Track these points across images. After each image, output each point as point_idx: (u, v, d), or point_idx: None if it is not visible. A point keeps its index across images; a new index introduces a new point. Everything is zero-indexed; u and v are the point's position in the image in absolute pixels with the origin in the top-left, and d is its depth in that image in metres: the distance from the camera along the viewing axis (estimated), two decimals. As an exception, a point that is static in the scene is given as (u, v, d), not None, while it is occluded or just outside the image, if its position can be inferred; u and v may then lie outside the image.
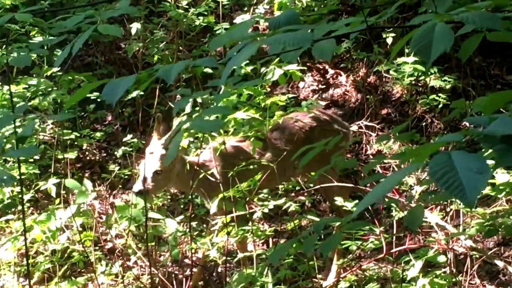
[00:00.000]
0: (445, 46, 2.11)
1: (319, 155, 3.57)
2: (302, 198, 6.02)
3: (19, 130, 3.24)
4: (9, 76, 3.38)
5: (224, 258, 5.44)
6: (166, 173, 5.46)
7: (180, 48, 8.22)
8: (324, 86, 8.19)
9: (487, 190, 5.39)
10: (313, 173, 5.22)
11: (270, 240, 6.05)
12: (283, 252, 3.15)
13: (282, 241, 6.06)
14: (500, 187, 4.73)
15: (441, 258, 4.69)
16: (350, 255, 5.75)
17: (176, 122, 5.31)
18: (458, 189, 1.67)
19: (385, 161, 6.82)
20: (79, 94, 2.56)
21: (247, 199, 5.19)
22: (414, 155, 1.80)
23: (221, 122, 2.45)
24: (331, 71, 8.27)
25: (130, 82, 2.37)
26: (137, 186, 5.37)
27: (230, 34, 2.41)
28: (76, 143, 7.44)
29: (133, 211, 5.46)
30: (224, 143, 5.47)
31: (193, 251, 5.53)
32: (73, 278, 5.95)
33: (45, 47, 6.05)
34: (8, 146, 5.93)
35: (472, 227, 4.85)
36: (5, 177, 2.83)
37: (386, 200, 4.31)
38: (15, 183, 6.02)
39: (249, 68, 5.82)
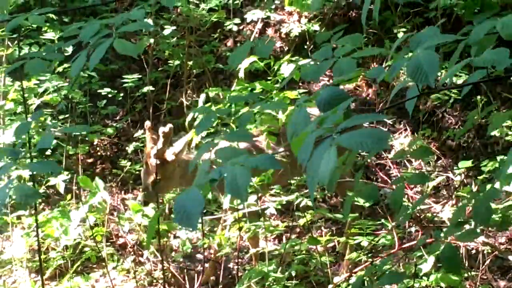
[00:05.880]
0: None
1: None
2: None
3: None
4: (21, 71, 3.39)
5: (236, 253, 5.44)
6: (165, 181, 5.62)
7: (191, 43, 8.22)
8: (335, 81, 8.16)
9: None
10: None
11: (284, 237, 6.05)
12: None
13: (293, 236, 6.05)
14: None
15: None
16: (361, 250, 5.74)
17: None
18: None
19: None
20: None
21: (260, 194, 5.19)
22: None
23: (275, 159, 2.30)
24: (342, 66, 8.23)
25: (201, 203, 2.19)
26: (140, 197, 5.76)
27: (306, 147, 2.19)
28: (87, 138, 7.45)
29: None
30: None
31: (205, 246, 5.53)
32: (85, 274, 5.97)
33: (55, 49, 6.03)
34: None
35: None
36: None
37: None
38: (27, 179, 6.03)
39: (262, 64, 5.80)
